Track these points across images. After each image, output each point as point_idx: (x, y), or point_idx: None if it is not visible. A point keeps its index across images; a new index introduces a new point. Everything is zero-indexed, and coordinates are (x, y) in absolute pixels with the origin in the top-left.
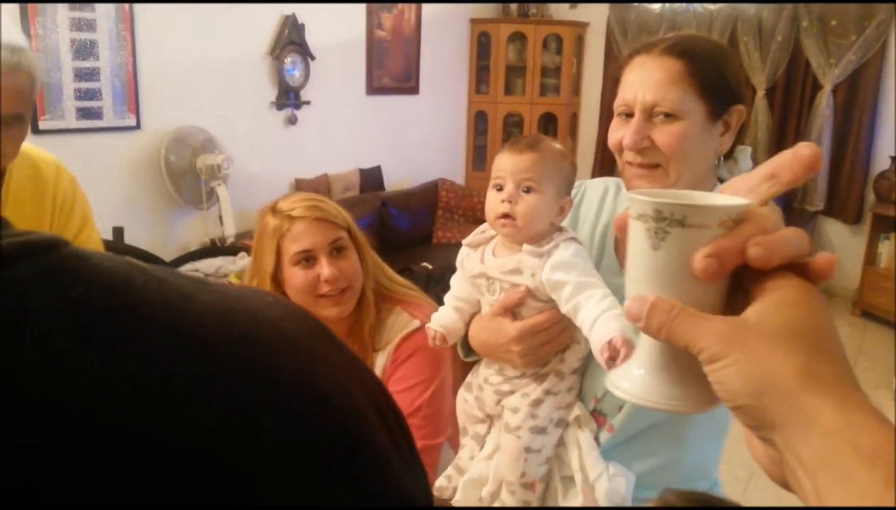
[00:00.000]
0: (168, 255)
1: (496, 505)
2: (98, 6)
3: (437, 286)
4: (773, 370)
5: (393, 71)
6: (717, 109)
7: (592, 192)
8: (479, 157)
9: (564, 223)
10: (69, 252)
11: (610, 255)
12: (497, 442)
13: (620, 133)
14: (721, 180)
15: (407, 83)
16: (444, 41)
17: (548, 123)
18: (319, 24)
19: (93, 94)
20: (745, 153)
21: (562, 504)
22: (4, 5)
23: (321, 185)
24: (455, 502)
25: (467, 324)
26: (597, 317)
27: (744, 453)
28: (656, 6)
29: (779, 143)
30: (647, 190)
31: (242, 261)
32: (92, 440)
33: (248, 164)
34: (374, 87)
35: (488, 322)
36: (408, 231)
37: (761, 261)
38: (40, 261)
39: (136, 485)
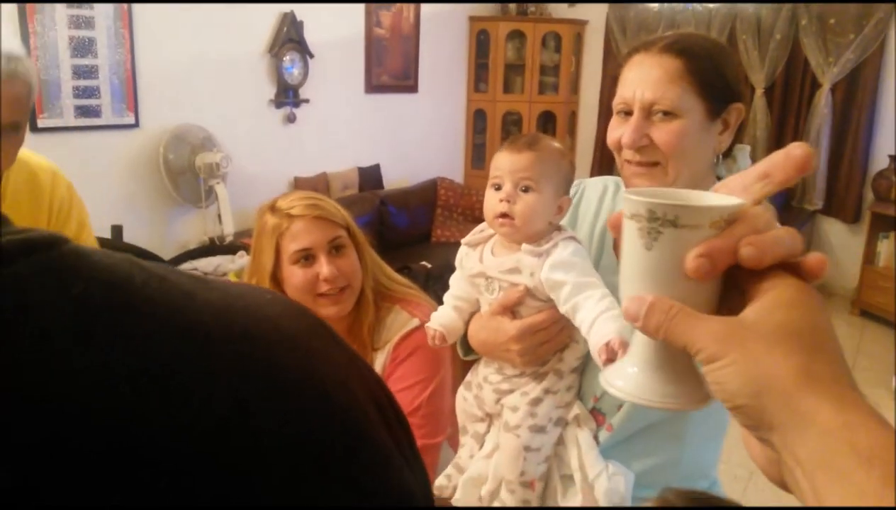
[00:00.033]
0: (167, 254)
1: (496, 503)
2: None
3: (436, 285)
4: (771, 370)
5: (392, 69)
6: (716, 108)
7: (591, 190)
8: (477, 156)
9: (563, 222)
10: (69, 249)
11: (609, 254)
12: (496, 440)
13: (619, 131)
14: (720, 179)
15: (406, 81)
16: (443, 39)
17: (546, 122)
18: (318, 22)
19: (91, 92)
20: (743, 152)
21: (561, 502)
22: (4, 5)
23: (320, 184)
24: (455, 501)
25: (467, 324)
26: (595, 318)
27: (743, 453)
28: (655, 5)
29: (778, 141)
30: (641, 189)
31: (241, 259)
32: (92, 440)
33: (246, 162)
34: (373, 86)
35: (487, 321)
36: (407, 229)
37: (753, 261)
38: (40, 258)
39: (136, 485)
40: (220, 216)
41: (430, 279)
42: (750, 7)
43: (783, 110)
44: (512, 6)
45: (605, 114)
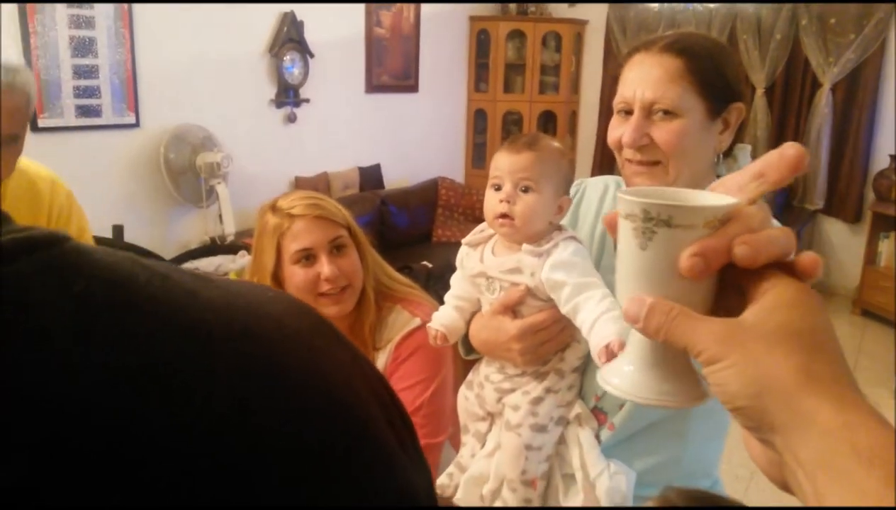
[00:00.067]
0: (168, 254)
1: (497, 502)
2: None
3: (436, 284)
4: (772, 371)
5: (392, 69)
6: (716, 107)
7: (592, 190)
8: (478, 155)
9: (564, 222)
10: (71, 247)
11: (610, 254)
12: (498, 439)
13: (620, 130)
14: (720, 178)
15: (406, 81)
16: (444, 39)
17: (547, 121)
18: (318, 22)
19: (92, 92)
20: (744, 151)
21: (563, 501)
22: (4, 5)
23: (321, 184)
24: (456, 500)
25: (468, 323)
26: (595, 319)
27: (745, 452)
28: (655, 4)
29: (778, 141)
30: (635, 189)
31: (242, 259)
32: (92, 440)
33: (247, 162)
34: (374, 85)
35: (488, 320)
36: (407, 229)
37: (747, 260)
38: (41, 256)
39: (136, 484)
40: (220, 216)
41: (431, 279)
42: (750, 7)
43: (783, 110)
44: (512, 6)
45: (605, 113)
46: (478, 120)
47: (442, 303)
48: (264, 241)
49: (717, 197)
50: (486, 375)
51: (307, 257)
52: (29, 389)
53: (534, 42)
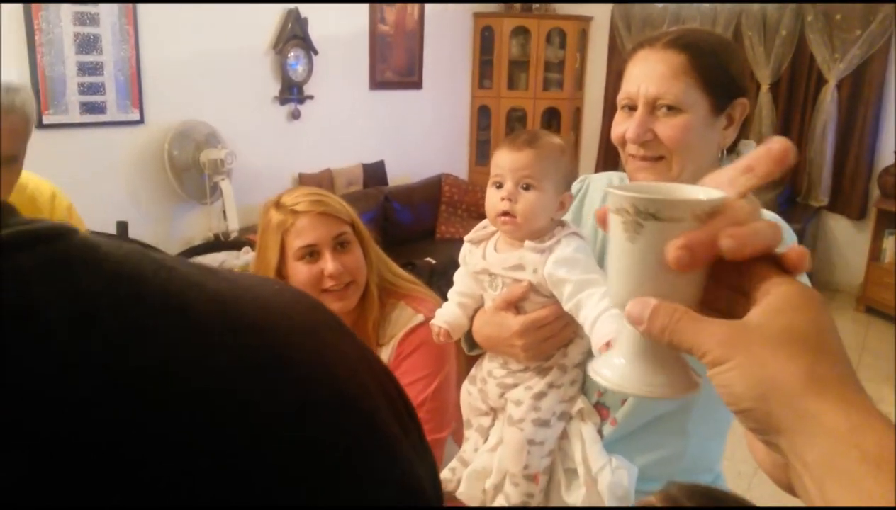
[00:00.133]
0: (172, 250)
1: (499, 497)
2: None
3: (440, 281)
4: (777, 373)
5: (396, 65)
6: (720, 103)
7: (596, 186)
8: (482, 152)
9: (568, 218)
10: (78, 240)
11: None
12: (500, 434)
13: (623, 126)
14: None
15: (410, 78)
16: (447, 36)
17: (551, 118)
18: (322, 19)
19: (96, 89)
20: (748, 147)
21: (564, 496)
22: (5, 4)
23: (324, 180)
24: (459, 494)
25: (471, 319)
26: (597, 317)
27: (747, 449)
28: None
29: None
30: (625, 184)
31: (246, 255)
32: (92, 439)
33: (251, 158)
34: (378, 82)
35: (491, 316)
36: (411, 226)
37: (732, 253)
38: (45, 250)
39: (137, 484)
40: (224, 212)
41: (435, 275)
42: (755, 3)
43: (789, 106)
44: (516, 3)
45: (609, 110)
46: (482, 116)
47: (445, 299)
48: (268, 237)
49: (705, 191)
50: (488, 371)
51: (311, 254)
52: (28, 388)
53: (538, 38)
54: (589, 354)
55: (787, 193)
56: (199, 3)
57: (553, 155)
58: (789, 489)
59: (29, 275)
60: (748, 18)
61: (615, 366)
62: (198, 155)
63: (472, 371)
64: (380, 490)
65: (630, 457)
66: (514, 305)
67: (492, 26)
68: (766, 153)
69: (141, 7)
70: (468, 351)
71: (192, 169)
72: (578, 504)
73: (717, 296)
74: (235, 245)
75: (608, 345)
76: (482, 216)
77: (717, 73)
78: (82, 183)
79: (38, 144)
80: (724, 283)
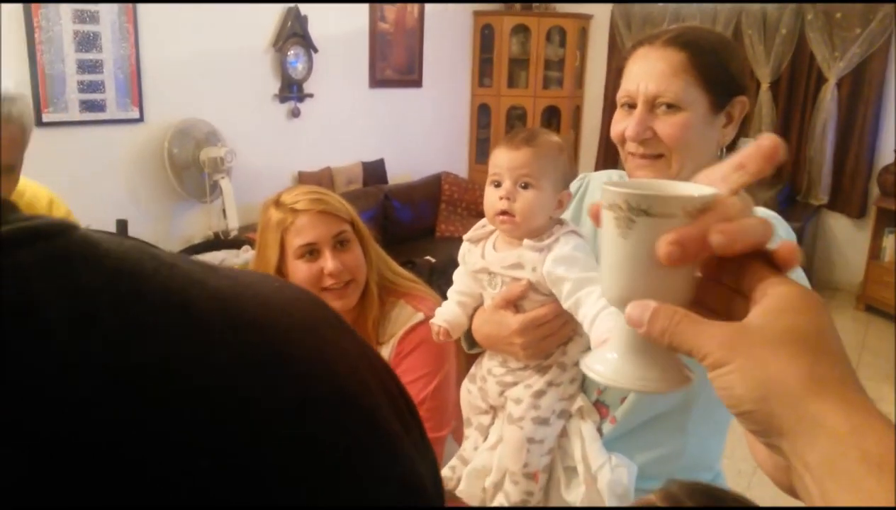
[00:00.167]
0: (171, 249)
1: (499, 495)
2: None
3: (440, 279)
4: (778, 375)
5: (396, 63)
6: (720, 101)
7: (596, 184)
8: (482, 151)
9: (568, 216)
10: (79, 237)
11: None
12: (500, 432)
13: (623, 124)
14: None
15: (410, 76)
16: (448, 34)
17: (551, 116)
18: (322, 17)
19: (96, 87)
20: (748, 145)
21: (564, 494)
22: (5, 4)
23: (324, 178)
24: (459, 492)
25: (471, 318)
26: (596, 315)
27: (747, 448)
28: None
29: (783, 136)
30: (618, 180)
31: (246, 254)
32: (92, 439)
33: (251, 157)
34: (377, 80)
35: (491, 315)
36: (411, 224)
37: (723, 248)
38: (45, 247)
39: (137, 484)
40: (224, 211)
41: (434, 274)
42: (755, 3)
43: (789, 105)
44: (516, 1)
45: (609, 108)
46: (481, 115)
47: (445, 297)
48: (268, 235)
49: (697, 188)
50: (488, 369)
51: (311, 252)
52: (28, 387)
53: (538, 37)
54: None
55: (787, 192)
56: (200, 3)
57: (551, 153)
58: (791, 491)
59: (29, 271)
60: (748, 17)
61: (608, 361)
62: (198, 153)
63: (472, 369)
64: (381, 488)
65: (629, 456)
66: (514, 304)
67: (492, 24)
68: (756, 150)
69: (141, 5)
70: (468, 349)
71: (191, 167)
72: (578, 502)
73: (716, 298)
74: (235, 243)
75: (607, 342)
76: (482, 214)
77: (716, 71)
78: (82, 181)
79: (38, 143)
80: (723, 285)
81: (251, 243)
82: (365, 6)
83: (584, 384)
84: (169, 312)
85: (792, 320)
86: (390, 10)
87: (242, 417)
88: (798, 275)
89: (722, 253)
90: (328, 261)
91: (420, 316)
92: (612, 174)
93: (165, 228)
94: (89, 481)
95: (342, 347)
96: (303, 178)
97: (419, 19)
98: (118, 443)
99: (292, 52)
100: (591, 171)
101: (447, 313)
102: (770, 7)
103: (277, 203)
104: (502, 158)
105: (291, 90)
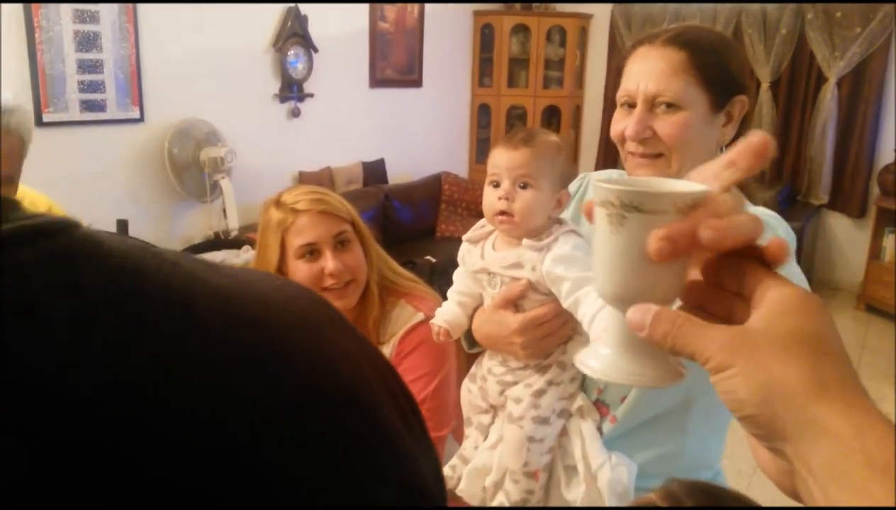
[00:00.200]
0: (171, 248)
1: (500, 494)
2: None
3: (440, 279)
4: (780, 378)
5: (396, 63)
6: (720, 100)
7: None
8: (482, 150)
9: (567, 215)
10: (80, 235)
11: None
12: (500, 432)
13: (623, 123)
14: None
15: (410, 76)
16: (448, 33)
17: (551, 116)
18: (322, 17)
19: (96, 87)
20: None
21: (564, 493)
22: (5, 4)
23: (324, 178)
24: (459, 491)
25: (471, 318)
26: (595, 313)
27: (747, 448)
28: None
29: (783, 135)
30: (613, 178)
31: (246, 254)
32: (92, 439)
33: (251, 157)
34: (378, 80)
35: (490, 315)
36: (411, 224)
37: (713, 244)
38: (46, 245)
39: (136, 484)
40: (224, 211)
41: (435, 274)
42: (755, 2)
43: (789, 104)
44: (516, 1)
45: (609, 108)
46: (482, 115)
47: (445, 297)
48: (268, 235)
49: (688, 184)
50: (488, 368)
51: (311, 252)
52: (28, 387)
53: (538, 37)
54: None
55: (787, 191)
56: (200, 3)
57: (549, 153)
58: (795, 495)
59: (29, 270)
60: (748, 16)
61: (602, 357)
62: (198, 153)
63: (472, 369)
64: (382, 487)
65: (629, 455)
66: (513, 303)
67: (492, 24)
68: (746, 147)
69: (141, 5)
70: (468, 349)
71: (192, 167)
72: (578, 501)
73: (718, 303)
74: (235, 243)
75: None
76: (482, 214)
77: (716, 70)
78: (82, 181)
79: (38, 143)
80: (724, 289)
81: (251, 243)
82: (365, 6)
83: (584, 383)
84: (171, 310)
85: (794, 323)
86: (390, 10)
87: (243, 417)
88: (797, 274)
89: (712, 248)
90: (329, 262)
91: (420, 316)
92: (612, 174)
93: (166, 228)
94: (89, 481)
95: (344, 346)
96: (303, 178)
97: (419, 19)
98: (118, 443)
99: (292, 51)
100: (591, 171)
101: (447, 313)
102: (770, 6)
103: (278, 203)
104: (501, 158)
105: (291, 90)
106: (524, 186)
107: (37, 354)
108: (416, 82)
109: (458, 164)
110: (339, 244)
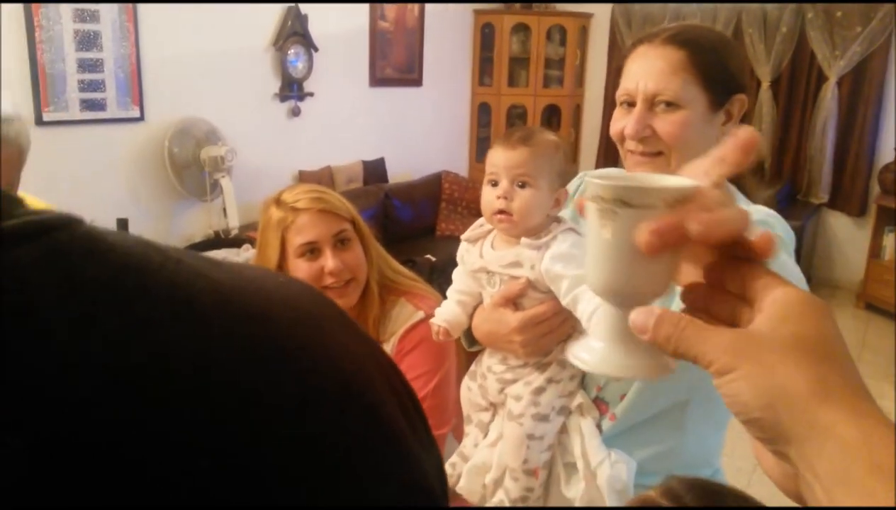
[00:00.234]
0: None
1: (499, 491)
2: None
3: (440, 278)
4: (785, 381)
5: (396, 62)
6: (719, 99)
7: None
8: (482, 149)
9: (567, 214)
10: (83, 231)
11: None
12: (500, 429)
13: (622, 122)
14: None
15: (410, 75)
16: (448, 32)
17: (551, 115)
18: (323, 16)
19: (96, 86)
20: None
21: (564, 490)
22: (5, 4)
23: (324, 177)
24: (459, 489)
25: (470, 317)
26: (593, 311)
27: (747, 445)
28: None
29: (783, 134)
30: (605, 174)
31: (247, 253)
32: (92, 439)
33: (251, 155)
34: (378, 79)
35: (490, 313)
36: (411, 223)
37: (701, 237)
38: (47, 241)
39: (136, 485)
40: (224, 209)
41: (435, 272)
42: (756, 2)
43: (789, 103)
44: (516, 1)
45: (610, 107)
46: (482, 114)
47: (445, 296)
48: (268, 234)
49: (677, 179)
50: (488, 366)
51: (311, 251)
52: (28, 387)
53: (538, 36)
54: None
55: (787, 190)
56: (200, 3)
57: (548, 152)
58: (799, 499)
59: (31, 267)
60: (748, 16)
61: (593, 350)
62: (198, 152)
63: (472, 367)
64: (384, 486)
65: (629, 452)
66: (513, 302)
67: (492, 23)
68: (733, 143)
69: (141, 4)
70: (468, 347)
71: (192, 166)
72: (578, 498)
73: (721, 306)
74: (236, 242)
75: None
76: (482, 213)
77: (715, 69)
78: (82, 180)
79: (39, 142)
80: (728, 293)
81: (252, 242)
82: (365, 5)
83: (583, 381)
84: (174, 307)
85: (798, 326)
86: (390, 9)
87: (243, 415)
88: (795, 273)
89: (700, 242)
90: (329, 260)
91: (420, 314)
92: (611, 172)
93: (166, 227)
94: (89, 481)
95: (346, 343)
96: (303, 177)
97: (419, 18)
98: (118, 443)
99: (292, 50)
100: (591, 170)
101: (447, 313)
102: (770, 6)
103: (278, 202)
104: (499, 158)
105: (292, 89)
106: (522, 185)
107: (37, 354)
108: (417, 81)
109: (458, 162)
110: (340, 243)
